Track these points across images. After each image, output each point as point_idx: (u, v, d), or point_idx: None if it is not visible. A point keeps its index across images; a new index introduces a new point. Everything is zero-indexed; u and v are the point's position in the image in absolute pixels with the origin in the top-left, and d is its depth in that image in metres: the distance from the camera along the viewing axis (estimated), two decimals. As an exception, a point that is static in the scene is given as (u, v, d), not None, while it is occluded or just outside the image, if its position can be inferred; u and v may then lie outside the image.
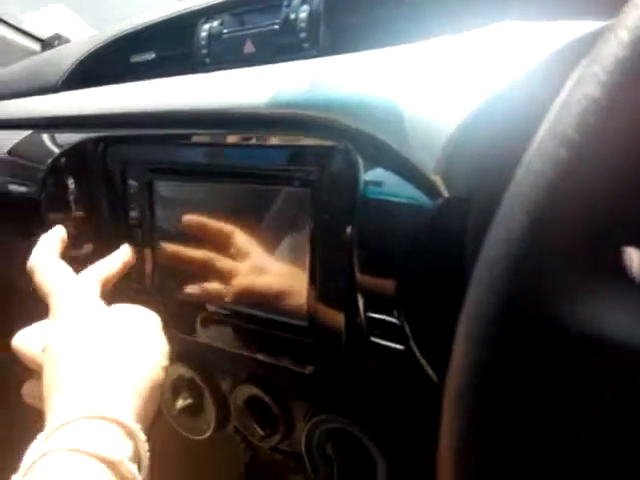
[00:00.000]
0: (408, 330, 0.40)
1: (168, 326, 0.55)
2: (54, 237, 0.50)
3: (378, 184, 0.37)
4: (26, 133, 0.62)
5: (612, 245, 0.22)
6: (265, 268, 0.46)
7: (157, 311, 0.54)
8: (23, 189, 0.60)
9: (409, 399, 0.45)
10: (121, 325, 0.43)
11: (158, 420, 0.60)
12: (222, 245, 0.48)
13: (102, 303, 0.45)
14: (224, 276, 0.48)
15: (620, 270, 0.21)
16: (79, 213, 0.57)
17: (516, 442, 0.23)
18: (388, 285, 0.39)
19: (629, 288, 0.22)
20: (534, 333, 0.21)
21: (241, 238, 0.46)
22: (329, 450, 0.51)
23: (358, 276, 0.39)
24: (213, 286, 0.49)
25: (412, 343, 0.40)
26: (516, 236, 0.21)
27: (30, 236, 0.63)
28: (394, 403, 0.47)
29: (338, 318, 0.42)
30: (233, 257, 0.47)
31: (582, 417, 0.22)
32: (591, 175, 0.21)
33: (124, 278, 0.54)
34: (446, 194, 0.34)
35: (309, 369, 0.45)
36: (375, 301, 0.40)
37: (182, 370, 0.60)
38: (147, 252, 0.53)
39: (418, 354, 0.41)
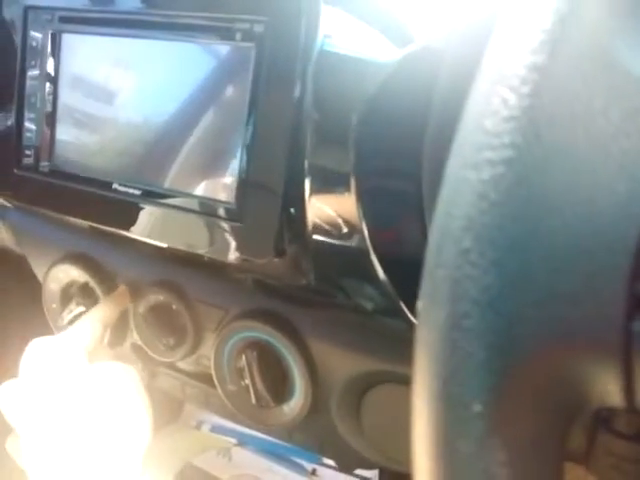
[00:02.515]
0: (364, 222, 0.36)
1: (63, 213, 0.48)
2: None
3: (339, 35, 0.33)
4: None
5: None
6: (191, 138, 0.40)
7: (52, 195, 0.47)
8: None
9: (347, 301, 0.41)
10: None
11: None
12: (141, 112, 0.41)
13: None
14: (138, 147, 0.42)
15: None
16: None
17: None
18: (342, 160, 0.34)
19: None
20: None
21: (166, 103, 0.40)
22: (241, 362, 0.46)
23: (307, 148, 0.35)
24: (124, 159, 0.42)
25: (366, 239, 0.36)
26: None
27: None
28: (328, 306, 0.43)
29: (274, 202, 0.37)
30: (154, 126, 0.41)
31: None
32: None
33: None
34: (417, 42, 0.30)
35: (232, 257, 0.39)
36: (324, 181, 0.36)
37: (74, 273, 0.52)
38: (46, 121, 0.45)
39: (372, 251, 0.37)
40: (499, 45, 0.16)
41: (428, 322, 0.16)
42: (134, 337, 0.53)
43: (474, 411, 0.15)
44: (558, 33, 0.15)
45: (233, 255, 0.39)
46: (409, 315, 0.39)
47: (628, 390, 0.16)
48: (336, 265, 0.40)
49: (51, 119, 0.45)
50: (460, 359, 0.15)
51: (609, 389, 0.16)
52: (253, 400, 0.46)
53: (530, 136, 0.15)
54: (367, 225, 0.37)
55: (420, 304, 0.17)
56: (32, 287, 0.63)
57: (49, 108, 0.45)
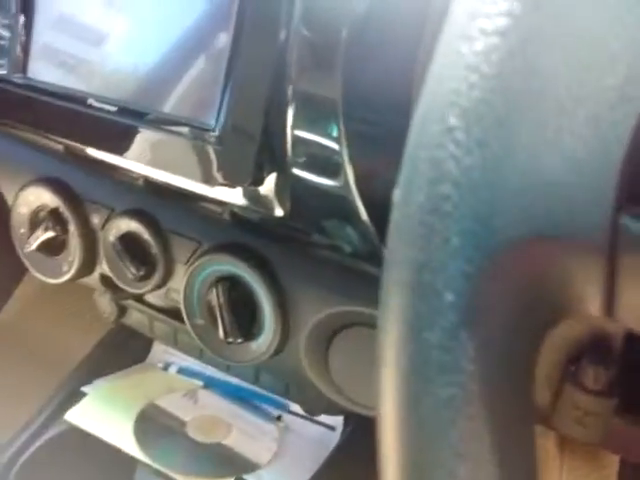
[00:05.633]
0: (347, 158, 0.34)
1: (34, 127, 0.46)
2: None
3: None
4: None
5: None
6: (172, 56, 0.38)
7: (24, 108, 0.45)
8: None
9: (322, 240, 0.40)
10: None
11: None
12: (121, 26, 0.39)
13: None
14: (116, 64, 0.40)
15: None
16: None
17: None
18: (329, 85, 0.33)
19: None
20: None
21: (146, 21, 0.38)
22: (212, 297, 0.45)
23: (292, 71, 0.33)
24: (101, 76, 0.40)
25: (349, 176, 0.35)
26: None
27: None
28: (303, 244, 0.42)
29: (254, 128, 0.36)
30: (134, 44, 0.39)
31: None
32: None
33: None
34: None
35: (209, 182, 0.38)
36: (309, 109, 0.34)
37: (46, 197, 0.50)
38: (22, 29, 0.43)
39: (354, 190, 0.35)
40: None
41: (404, 207, 0.15)
42: (103, 267, 0.52)
43: (446, 300, 0.14)
44: None
45: (210, 179, 0.38)
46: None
47: (609, 293, 0.15)
48: (314, 202, 0.39)
49: (27, 26, 0.43)
50: (435, 245, 0.14)
51: (588, 292, 0.15)
52: (221, 335, 0.45)
53: (528, 3, 0.14)
54: (352, 162, 0.35)
55: (397, 192, 0.16)
56: None
57: (26, 14, 0.43)
